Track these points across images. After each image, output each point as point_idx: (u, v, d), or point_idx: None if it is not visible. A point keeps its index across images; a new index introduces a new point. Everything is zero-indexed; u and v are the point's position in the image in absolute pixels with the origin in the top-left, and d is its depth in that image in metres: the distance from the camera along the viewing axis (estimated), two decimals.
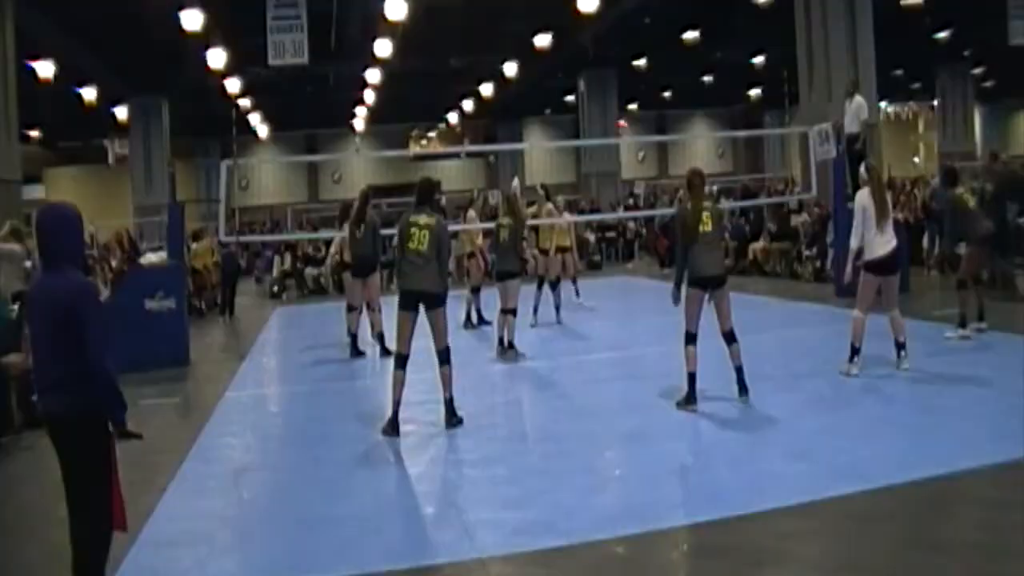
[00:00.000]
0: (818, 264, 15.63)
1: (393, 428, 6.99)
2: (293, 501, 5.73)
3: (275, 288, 20.96)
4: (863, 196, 7.82)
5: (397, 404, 7.02)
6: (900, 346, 7.77)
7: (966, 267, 9.57)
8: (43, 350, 3.83)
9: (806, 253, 16.20)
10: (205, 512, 5.59)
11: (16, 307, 9.15)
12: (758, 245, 18.01)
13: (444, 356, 7.15)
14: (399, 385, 7.06)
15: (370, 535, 4.98)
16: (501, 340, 10.17)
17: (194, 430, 7.67)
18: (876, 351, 7.92)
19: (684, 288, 7.17)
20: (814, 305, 12.62)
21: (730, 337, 7.17)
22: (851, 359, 7.72)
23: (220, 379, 10.26)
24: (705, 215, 7.12)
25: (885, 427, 6.34)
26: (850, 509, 4.85)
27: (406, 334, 7.04)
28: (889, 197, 8.34)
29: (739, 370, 7.15)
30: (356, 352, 10.99)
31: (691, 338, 7.09)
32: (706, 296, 7.15)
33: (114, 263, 17.47)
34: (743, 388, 7.14)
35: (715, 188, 31.07)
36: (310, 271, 20.92)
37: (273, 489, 6.13)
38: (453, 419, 7.12)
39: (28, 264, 10.84)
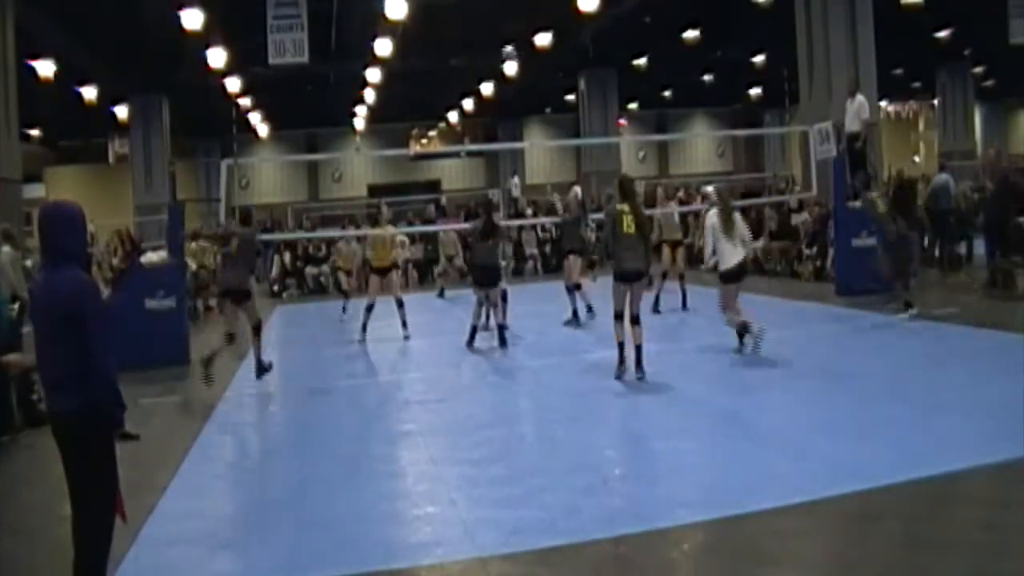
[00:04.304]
0: (818, 263, 15.63)
1: None
2: (293, 501, 5.73)
3: (275, 287, 20.97)
4: (711, 216, 9.37)
5: None
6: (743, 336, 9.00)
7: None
8: (46, 348, 3.83)
9: (806, 252, 16.20)
10: (205, 512, 5.59)
11: (16, 307, 9.16)
12: (758, 244, 17.99)
13: None
14: None
15: (370, 535, 4.98)
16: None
17: (194, 430, 7.68)
18: (873, 354, 7.91)
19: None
20: (814, 304, 12.62)
21: (635, 320, 8.29)
22: (741, 342, 9.05)
23: (220, 379, 10.24)
24: (628, 219, 8.21)
25: (885, 427, 6.34)
26: (849, 509, 4.85)
27: None
28: (737, 216, 9.54)
29: (638, 348, 8.22)
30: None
31: (619, 315, 8.29)
32: (630, 287, 8.28)
33: (115, 262, 17.49)
34: (639, 365, 8.18)
35: (711, 188, 31.12)
36: (310, 270, 20.94)
37: (273, 489, 6.13)
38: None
39: (29, 263, 10.85)
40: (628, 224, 8.22)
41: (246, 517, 5.58)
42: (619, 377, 8.25)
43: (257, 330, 9.44)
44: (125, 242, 18.44)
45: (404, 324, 12.01)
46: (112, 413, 3.83)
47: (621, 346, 8.29)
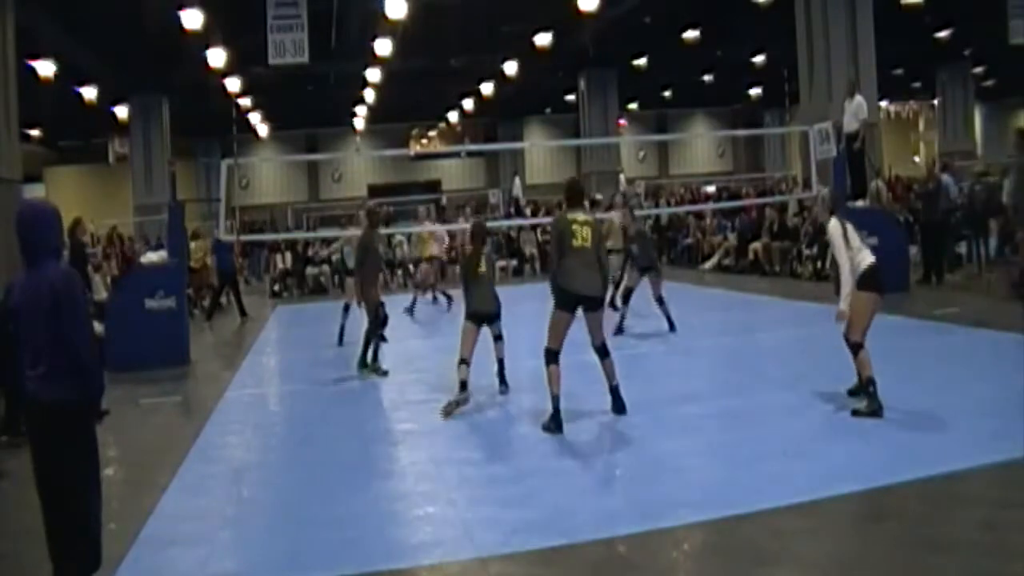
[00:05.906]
0: (818, 263, 15.63)
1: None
2: (293, 501, 5.73)
3: (276, 287, 21.00)
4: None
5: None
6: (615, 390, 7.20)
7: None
8: (36, 343, 3.85)
9: (806, 252, 16.20)
10: (205, 512, 5.59)
11: None
12: (758, 244, 18.00)
13: None
14: None
15: (370, 535, 4.98)
16: None
17: (194, 430, 7.67)
18: (873, 355, 7.90)
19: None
20: (814, 304, 12.60)
21: (604, 352, 7.19)
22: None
23: (220, 379, 10.26)
24: (582, 230, 6.82)
25: (885, 427, 6.34)
26: (850, 509, 4.86)
27: None
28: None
29: (616, 388, 7.22)
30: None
31: (557, 354, 7.01)
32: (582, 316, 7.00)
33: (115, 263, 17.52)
34: (623, 407, 7.15)
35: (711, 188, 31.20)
36: (311, 270, 20.95)
37: (273, 489, 6.14)
38: None
39: None
40: (582, 236, 6.77)
41: (246, 517, 5.57)
42: (549, 428, 6.79)
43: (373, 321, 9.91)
44: (114, 241, 18.49)
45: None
46: (100, 399, 3.90)
47: (557, 399, 6.82)
